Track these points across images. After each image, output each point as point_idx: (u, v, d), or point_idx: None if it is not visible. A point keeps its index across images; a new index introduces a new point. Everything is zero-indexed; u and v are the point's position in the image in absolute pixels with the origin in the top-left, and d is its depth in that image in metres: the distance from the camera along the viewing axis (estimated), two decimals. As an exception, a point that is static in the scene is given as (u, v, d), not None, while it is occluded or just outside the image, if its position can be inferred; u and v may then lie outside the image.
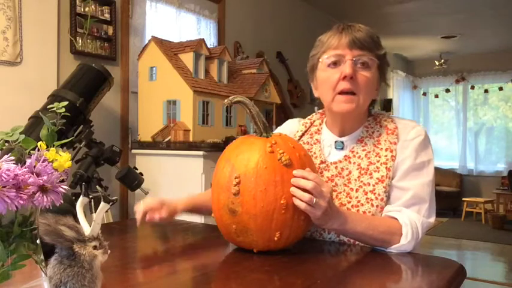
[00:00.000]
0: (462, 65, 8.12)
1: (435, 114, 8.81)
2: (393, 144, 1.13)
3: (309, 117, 1.34)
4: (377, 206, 1.10)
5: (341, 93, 1.11)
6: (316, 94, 1.22)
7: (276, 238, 0.96)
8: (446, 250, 4.93)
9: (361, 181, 1.13)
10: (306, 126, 1.31)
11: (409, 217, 1.06)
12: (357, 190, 1.13)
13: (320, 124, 1.28)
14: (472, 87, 8.20)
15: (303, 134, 1.30)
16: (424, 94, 8.72)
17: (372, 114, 1.22)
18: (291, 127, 1.35)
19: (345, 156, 1.18)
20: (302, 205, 0.93)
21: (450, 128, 8.58)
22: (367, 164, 1.14)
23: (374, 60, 1.11)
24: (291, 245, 1.02)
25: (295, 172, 0.96)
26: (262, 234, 0.96)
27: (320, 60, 1.15)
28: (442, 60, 7.73)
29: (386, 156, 1.13)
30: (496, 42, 7.18)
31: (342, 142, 1.20)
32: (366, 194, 1.11)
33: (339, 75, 1.10)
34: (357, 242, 1.10)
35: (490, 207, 6.82)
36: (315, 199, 0.93)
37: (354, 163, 1.16)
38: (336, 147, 1.20)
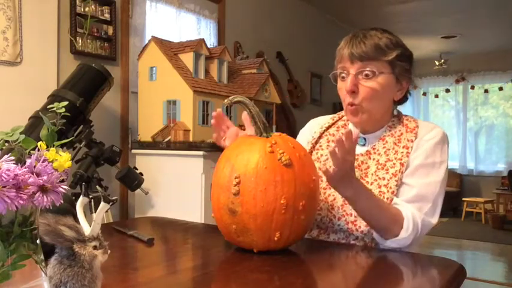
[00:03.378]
0: (462, 65, 8.11)
1: (435, 114, 8.81)
2: (410, 141, 1.17)
3: (338, 112, 1.39)
4: (387, 198, 1.12)
5: (349, 104, 1.17)
6: None
7: (276, 238, 0.96)
8: (446, 250, 4.92)
9: (377, 175, 1.16)
10: (333, 120, 1.36)
11: (412, 212, 1.08)
12: (371, 183, 1.16)
13: (347, 120, 1.32)
14: (472, 87, 8.20)
15: (329, 126, 1.34)
16: (424, 94, 8.72)
17: (396, 115, 1.25)
18: (311, 125, 1.40)
19: (367, 151, 1.22)
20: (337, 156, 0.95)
21: (450, 128, 8.57)
22: (385, 160, 1.18)
23: (375, 70, 1.13)
24: (291, 245, 1.02)
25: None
26: (262, 234, 0.96)
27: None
28: (442, 60, 7.72)
29: (402, 152, 1.16)
30: (496, 42, 7.18)
31: (364, 138, 1.24)
32: (380, 187, 1.14)
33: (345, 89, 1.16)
34: (356, 242, 1.10)
35: (490, 207, 6.82)
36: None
37: (373, 159, 1.20)
38: (358, 143, 1.24)
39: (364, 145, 1.24)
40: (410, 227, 1.05)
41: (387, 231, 1.06)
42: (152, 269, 0.94)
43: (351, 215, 1.14)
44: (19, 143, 0.59)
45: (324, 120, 1.38)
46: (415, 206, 1.10)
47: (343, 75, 1.17)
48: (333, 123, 1.35)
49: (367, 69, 1.13)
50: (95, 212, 0.63)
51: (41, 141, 0.60)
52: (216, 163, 1.05)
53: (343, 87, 1.17)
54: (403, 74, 1.18)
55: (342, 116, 1.35)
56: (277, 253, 0.99)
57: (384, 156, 1.18)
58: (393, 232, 1.06)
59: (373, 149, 1.21)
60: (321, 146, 1.29)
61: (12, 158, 0.53)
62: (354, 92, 1.14)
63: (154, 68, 2.72)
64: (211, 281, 0.88)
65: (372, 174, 1.17)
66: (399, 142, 1.19)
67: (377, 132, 1.23)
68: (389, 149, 1.19)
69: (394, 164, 1.16)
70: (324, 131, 1.32)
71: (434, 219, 1.12)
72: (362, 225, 1.12)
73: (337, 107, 5.37)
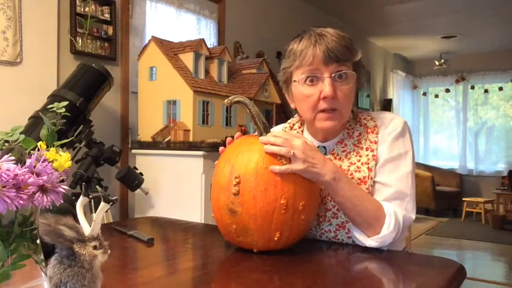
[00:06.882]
0: (462, 65, 8.12)
1: (435, 114, 8.82)
2: (374, 143, 1.12)
3: (288, 121, 1.32)
4: None
5: (322, 111, 1.08)
6: (292, 106, 1.19)
7: (276, 238, 0.96)
8: (446, 250, 4.92)
9: None
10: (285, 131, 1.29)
11: (394, 209, 1.05)
12: None
13: (300, 127, 1.27)
14: (472, 87, 8.21)
15: None
16: (424, 94, 8.73)
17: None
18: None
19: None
20: (280, 169, 0.94)
21: (450, 128, 8.58)
22: (348, 165, 1.13)
23: (352, 72, 1.09)
24: (291, 245, 1.02)
25: (261, 138, 0.99)
26: (262, 234, 0.96)
27: (295, 77, 1.11)
28: (442, 60, 7.72)
29: (367, 156, 1.12)
30: (496, 42, 7.18)
31: (325, 147, 1.19)
32: None
33: (318, 95, 1.07)
34: (356, 242, 1.10)
35: (490, 207, 6.82)
36: (292, 150, 0.95)
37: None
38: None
39: (325, 154, 1.17)
40: (392, 224, 1.01)
41: (369, 226, 1.03)
42: (152, 269, 0.94)
43: (330, 231, 1.13)
44: (19, 143, 0.59)
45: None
46: (396, 203, 1.07)
47: (312, 78, 1.07)
48: None
49: (343, 71, 1.07)
50: (95, 212, 0.63)
51: (41, 141, 0.60)
52: (216, 163, 1.05)
53: (314, 92, 1.07)
54: (359, 78, 1.12)
55: (293, 125, 1.29)
56: (277, 253, 0.99)
57: (346, 161, 1.13)
58: (374, 229, 1.02)
59: (333, 154, 1.15)
60: None
61: (12, 158, 0.53)
62: (333, 97, 1.06)
63: (154, 68, 2.72)
64: (211, 281, 0.88)
65: None
66: (359, 143, 1.13)
67: (337, 137, 1.17)
68: (349, 152, 1.13)
69: (358, 168, 1.10)
70: None
71: (413, 214, 1.09)
72: (344, 237, 1.11)
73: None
